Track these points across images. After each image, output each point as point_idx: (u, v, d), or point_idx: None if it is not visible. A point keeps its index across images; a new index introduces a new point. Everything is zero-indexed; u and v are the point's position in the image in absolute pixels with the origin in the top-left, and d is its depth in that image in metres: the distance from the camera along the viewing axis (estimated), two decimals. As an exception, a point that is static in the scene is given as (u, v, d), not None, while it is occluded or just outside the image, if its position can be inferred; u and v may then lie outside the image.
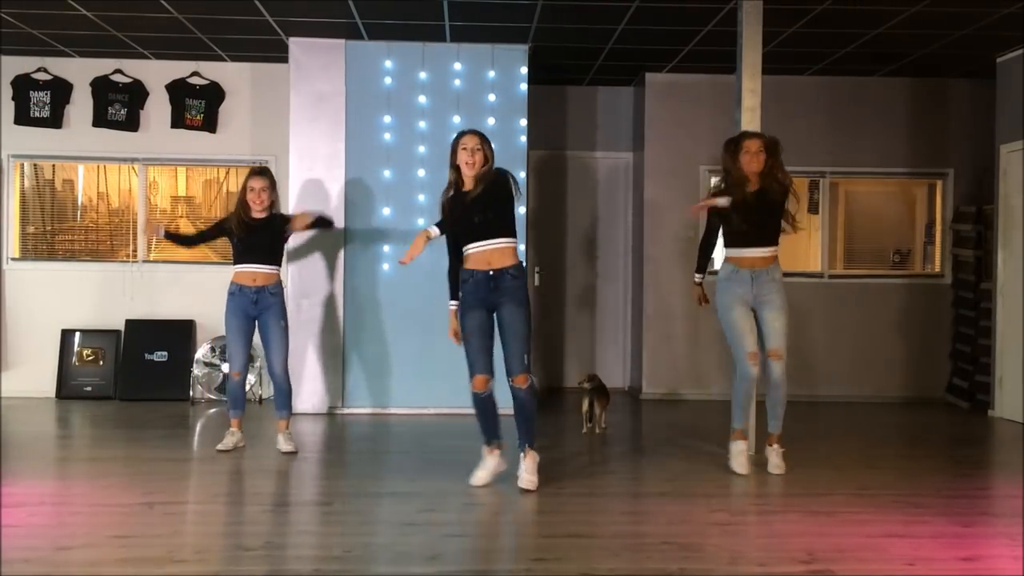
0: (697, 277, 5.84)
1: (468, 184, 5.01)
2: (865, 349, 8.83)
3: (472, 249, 4.98)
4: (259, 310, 5.94)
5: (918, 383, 8.83)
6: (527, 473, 5.04)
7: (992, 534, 4.33)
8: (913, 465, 5.93)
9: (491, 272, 4.94)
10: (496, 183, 4.96)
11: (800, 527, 4.41)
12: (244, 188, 5.98)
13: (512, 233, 5.03)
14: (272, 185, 6.00)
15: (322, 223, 6.38)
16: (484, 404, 5.05)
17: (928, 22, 6.99)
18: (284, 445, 6.00)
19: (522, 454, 5.09)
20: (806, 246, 9.31)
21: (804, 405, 8.50)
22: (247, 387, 8.21)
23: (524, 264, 5.05)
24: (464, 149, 4.98)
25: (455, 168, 5.03)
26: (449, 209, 5.03)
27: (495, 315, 5.00)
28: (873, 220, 9.33)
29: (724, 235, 5.61)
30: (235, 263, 6.01)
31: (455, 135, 5.11)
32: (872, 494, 5.04)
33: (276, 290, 5.99)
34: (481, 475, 5.12)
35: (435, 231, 4.94)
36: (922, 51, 7.86)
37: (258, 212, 5.95)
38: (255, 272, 5.93)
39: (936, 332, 8.85)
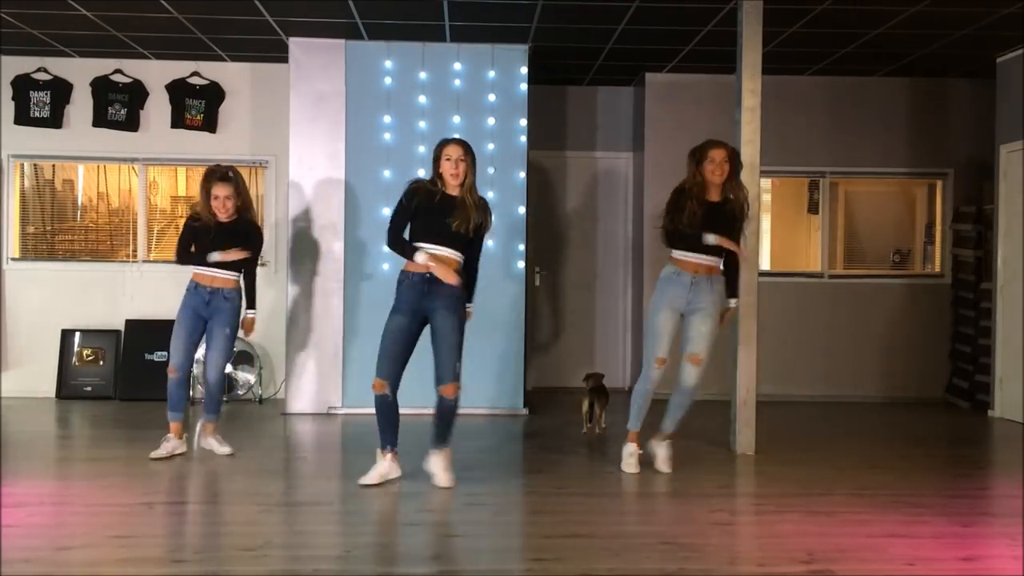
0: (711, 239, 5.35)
1: (453, 191, 5.00)
2: (865, 349, 8.83)
3: (426, 247, 4.95)
4: (210, 312, 5.75)
5: (918, 383, 8.82)
6: (442, 471, 5.03)
7: (992, 534, 4.33)
8: (913, 465, 5.93)
9: (428, 276, 4.93)
10: (486, 216, 5.06)
11: (800, 527, 4.41)
12: (208, 194, 5.68)
13: (466, 252, 5.06)
14: (237, 191, 5.72)
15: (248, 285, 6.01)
16: (384, 407, 5.01)
17: (928, 22, 6.99)
18: (218, 448, 5.84)
19: (436, 451, 5.08)
20: (806, 246, 9.32)
21: (804, 405, 8.51)
22: (246, 388, 8.25)
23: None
24: (448, 160, 4.96)
25: (438, 175, 5.01)
26: (425, 201, 4.97)
27: (427, 323, 5.02)
28: (873, 220, 9.33)
29: (675, 237, 5.44)
30: (196, 263, 5.77)
31: (438, 142, 5.08)
32: (872, 494, 5.04)
33: (231, 294, 5.78)
34: (372, 476, 5.06)
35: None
36: (922, 51, 7.86)
37: (224, 219, 5.75)
38: (214, 275, 5.74)
39: (936, 332, 8.84)
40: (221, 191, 5.69)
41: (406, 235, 5.10)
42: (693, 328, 5.46)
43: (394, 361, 4.99)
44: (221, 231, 5.76)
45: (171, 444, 5.78)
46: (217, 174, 5.76)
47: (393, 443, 5.09)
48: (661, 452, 5.59)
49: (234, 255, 5.72)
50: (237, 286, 5.83)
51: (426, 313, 5.00)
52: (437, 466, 5.08)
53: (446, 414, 5.05)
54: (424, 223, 5.00)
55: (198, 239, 5.77)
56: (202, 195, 5.74)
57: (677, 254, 5.47)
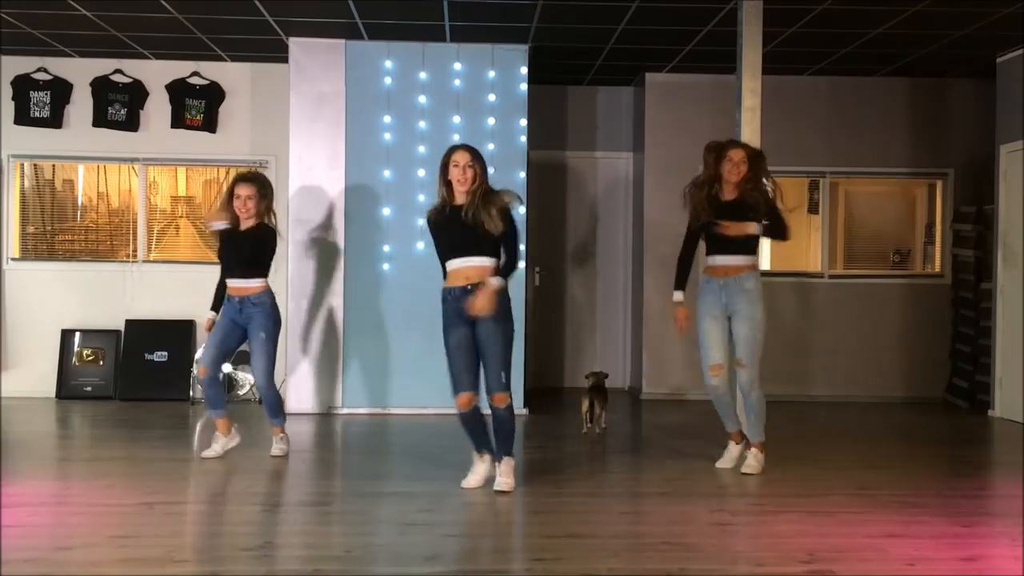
0: (677, 296, 5.59)
1: (461, 199, 4.92)
2: (865, 349, 8.82)
3: (456, 264, 4.92)
4: (244, 319, 5.77)
5: (918, 383, 8.82)
6: (503, 476, 4.99)
7: (992, 534, 4.33)
8: (913, 465, 5.93)
9: (468, 288, 4.86)
10: (504, 213, 4.90)
11: (800, 527, 4.41)
12: (231, 194, 5.75)
13: (497, 254, 4.94)
14: (260, 193, 5.73)
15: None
16: (471, 420, 4.99)
17: (928, 22, 6.99)
18: (274, 448, 5.90)
19: (498, 463, 5.05)
20: (806, 246, 9.31)
21: (804, 405, 8.51)
22: (247, 387, 8.25)
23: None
24: (456, 166, 4.89)
25: (446, 184, 4.96)
26: (439, 220, 4.96)
27: (475, 332, 4.94)
28: (873, 220, 9.33)
29: (704, 243, 5.57)
30: (223, 275, 5.85)
31: (446, 150, 5.03)
32: (872, 494, 5.04)
33: (259, 299, 5.75)
34: (472, 479, 5.06)
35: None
36: (922, 51, 7.86)
37: (245, 221, 5.74)
38: (236, 286, 5.76)
39: (936, 332, 8.84)
40: (243, 191, 5.71)
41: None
42: (734, 333, 5.54)
43: (470, 372, 4.94)
44: (233, 241, 5.76)
45: (221, 442, 5.81)
46: (241, 175, 5.87)
47: (488, 446, 5.06)
48: (749, 459, 5.60)
49: (219, 222, 5.76)
50: (264, 289, 5.81)
51: (472, 322, 4.91)
52: (499, 471, 5.03)
53: (502, 423, 4.98)
54: (446, 241, 4.95)
55: (221, 249, 5.82)
56: (226, 199, 5.81)
57: (707, 260, 5.55)
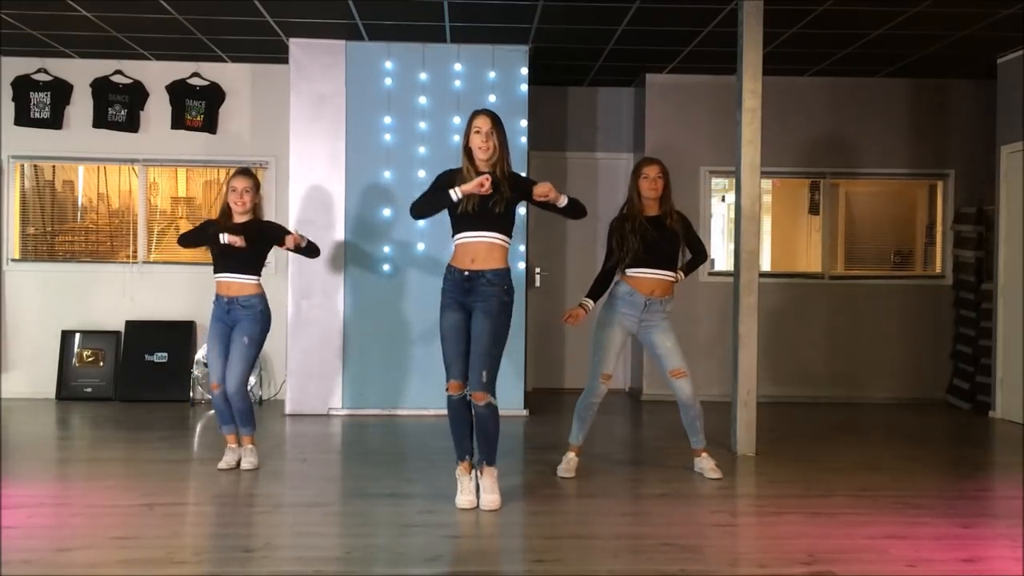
0: (588, 302, 5.58)
1: (483, 167, 4.65)
2: (865, 350, 8.82)
3: (465, 239, 4.66)
4: (232, 321, 5.58)
5: (919, 384, 8.82)
6: (487, 492, 4.65)
7: (993, 535, 4.33)
8: (914, 466, 5.92)
9: (467, 273, 4.63)
10: (521, 184, 4.77)
11: (801, 528, 4.41)
12: (227, 189, 5.66)
13: (510, 232, 4.72)
14: (256, 187, 5.66)
15: (309, 250, 5.84)
16: (459, 408, 4.69)
17: (928, 23, 6.99)
18: (244, 461, 5.64)
19: (478, 471, 4.71)
20: (806, 247, 9.31)
21: (805, 406, 8.51)
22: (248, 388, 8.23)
23: (511, 273, 4.76)
24: (477, 132, 4.60)
25: (467, 151, 4.66)
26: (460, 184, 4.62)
27: (469, 321, 4.69)
28: (874, 221, 9.33)
29: (626, 257, 5.48)
30: (214, 271, 5.66)
31: (470, 114, 4.75)
32: (873, 495, 5.04)
33: (248, 302, 5.55)
34: (464, 499, 4.69)
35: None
36: (922, 52, 7.86)
37: (240, 215, 5.61)
38: (229, 281, 5.57)
39: (937, 333, 8.84)
40: (240, 183, 5.60)
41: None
42: (659, 346, 5.48)
43: (463, 358, 4.65)
44: (232, 231, 5.62)
45: (234, 454, 5.66)
46: (238, 170, 5.81)
47: (471, 451, 4.75)
48: (706, 464, 5.54)
49: (236, 240, 5.50)
50: (257, 292, 5.63)
51: (469, 309, 4.67)
52: (482, 485, 4.69)
53: (481, 423, 4.63)
54: (464, 209, 4.62)
55: (210, 242, 5.65)
56: (225, 193, 5.72)
57: (631, 272, 5.48)
